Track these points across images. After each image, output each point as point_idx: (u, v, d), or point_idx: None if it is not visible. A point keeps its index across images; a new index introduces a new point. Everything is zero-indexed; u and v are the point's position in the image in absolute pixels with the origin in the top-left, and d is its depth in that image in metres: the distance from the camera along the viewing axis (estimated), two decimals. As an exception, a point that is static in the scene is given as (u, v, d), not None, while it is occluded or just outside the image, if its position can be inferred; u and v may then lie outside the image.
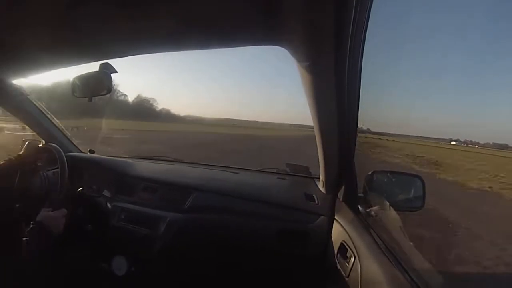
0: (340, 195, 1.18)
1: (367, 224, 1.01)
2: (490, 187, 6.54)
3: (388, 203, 1.09)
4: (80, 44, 0.92)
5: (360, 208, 1.12)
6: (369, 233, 0.93)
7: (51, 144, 1.42)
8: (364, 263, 0.82)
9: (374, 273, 0.75)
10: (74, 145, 1.79)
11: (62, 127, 1.72)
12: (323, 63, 0.70)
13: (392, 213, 1.06)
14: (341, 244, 1.00)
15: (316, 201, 1.26)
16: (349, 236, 0.97)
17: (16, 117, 1.56)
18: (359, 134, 1.06)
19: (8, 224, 1.12)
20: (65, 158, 1.32)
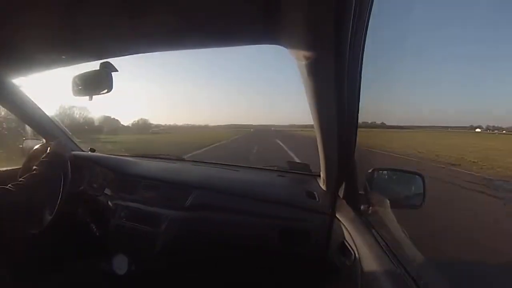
0: (341, 192, 1.18)
1: (367, 222, 1.01)
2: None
3: (388, 201, 1.09)
4: (80, 43, 0.92)
5: (360, 205, 1.12)
6: (370, 231, 0.93)
7: (52, 143, 1.43)
8: (365, 261, 0.82)
9: (374, 271, 0.75)
10: (75, 143, 1.79)
11: (63, 125, 1.73)
12: (323, 61, 0.69)
13: (393, 210, 1.06)
14: (342, 242, 1.00)
15: (317, 199, 1.26)
16: (350, 234, 0.97)
17: (17, 116, 1.56)
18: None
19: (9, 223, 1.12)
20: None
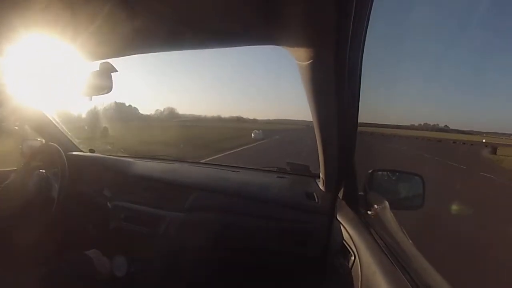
0: (341, 193, 1.18)
1: (367, 223, 1.01)
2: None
3: (388, 202, 1.09)
4: (80, 44, 0.92)
5: (360, 207, 1.12)
6: (369, 232, 0.93)
7: (51, 143, 1.42)
8: (364, 262, 0.82)
9: (374, 272, 0.75)
10: (74, 144, 1.79)
11: (63, 126, 1.72)
12: (323, 62, 0.69)
13: (393, 212, 1.06)
14: (342, 243, 1.00)
15: (317, 200, 1.26)
16: (349, 235, 0.97)
17: (16, 116, 1.55)
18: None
19: (8, 227, 1.12)
20: (65, 158, 1.32)
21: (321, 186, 1.32)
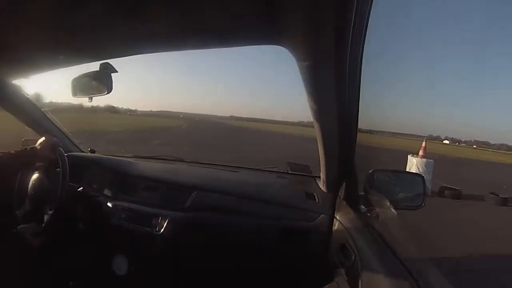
0: (341, 193, 1.18)
1: (367, 223, 1.01)
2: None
3: (388, 202, 1.09)
4: (80, 44, 0.92)
5: (360, 206, 1.12)
6: (370, 232, 0.93)
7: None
8: (365, 261, 0.82)
9: (374, 272, 0.75)
10: (75, 144, 1.79)
11: (63, 126, 1.73)
12: (323, 62, 0.69)
13: (393, 211, 1.06)
14: (342, 243, 1.00)
15: (317, 200, 1.26)
16: (350, 235, 0.97)
17: (16, 116, 1.55)
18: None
19: (9, 226, 1.12)
20: (66, 158, 1.32)
21: (321, 186, 1.32)
